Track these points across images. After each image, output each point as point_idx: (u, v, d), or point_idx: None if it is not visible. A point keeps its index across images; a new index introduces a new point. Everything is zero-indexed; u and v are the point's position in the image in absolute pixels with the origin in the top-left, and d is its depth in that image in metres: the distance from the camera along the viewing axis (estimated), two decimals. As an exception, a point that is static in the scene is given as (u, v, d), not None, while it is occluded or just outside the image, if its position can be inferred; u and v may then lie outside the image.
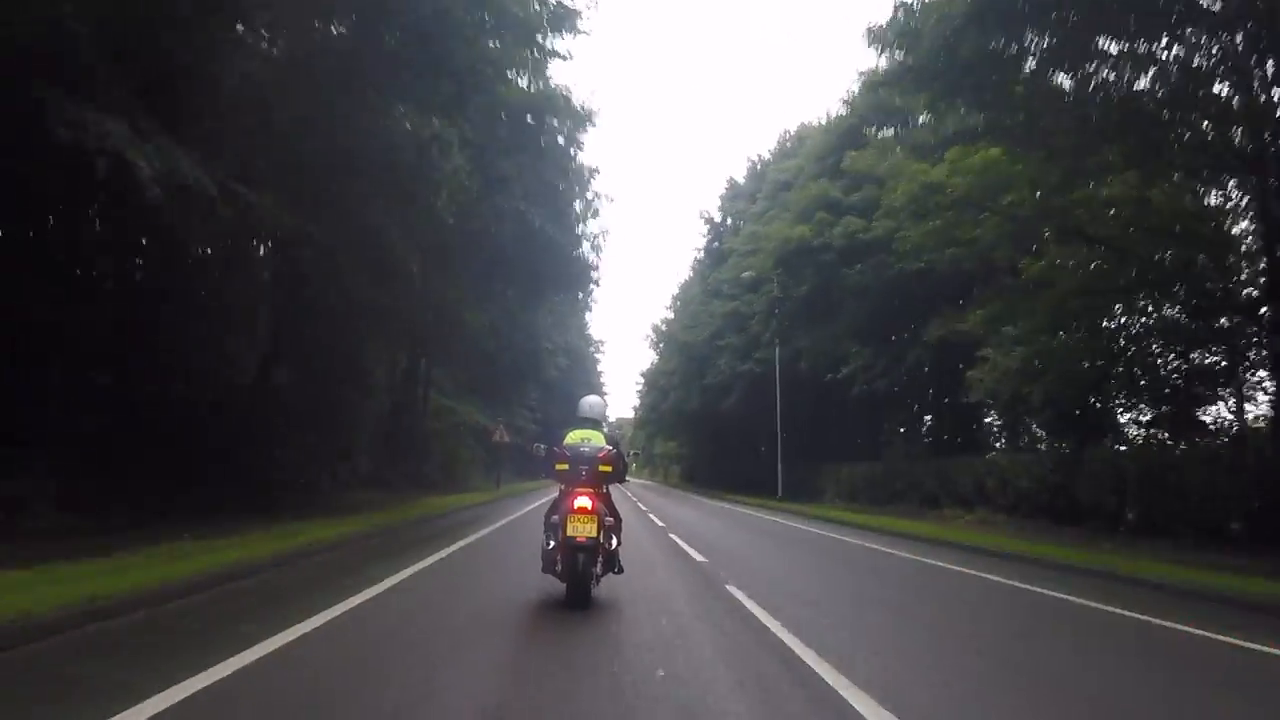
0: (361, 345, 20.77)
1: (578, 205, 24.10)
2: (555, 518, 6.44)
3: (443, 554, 10.20)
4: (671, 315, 60.57)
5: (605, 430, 7.12)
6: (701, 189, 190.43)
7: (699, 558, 10.60)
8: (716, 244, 47.63)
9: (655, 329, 65.98)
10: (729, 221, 46.61)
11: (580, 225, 24.18)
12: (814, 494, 31.61)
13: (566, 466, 6.63)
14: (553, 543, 6.39)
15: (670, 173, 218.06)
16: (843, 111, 29.88)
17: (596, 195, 24.40)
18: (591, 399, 7.38)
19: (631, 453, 9.15)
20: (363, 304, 16.37)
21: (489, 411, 37.56)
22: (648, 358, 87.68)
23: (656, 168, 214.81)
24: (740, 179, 47.61)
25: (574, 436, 6.87)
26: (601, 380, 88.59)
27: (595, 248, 24.93)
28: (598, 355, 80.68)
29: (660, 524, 16.94)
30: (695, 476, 63.14)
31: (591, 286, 26.08)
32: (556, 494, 6.99)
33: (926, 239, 17.93)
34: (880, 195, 24.54)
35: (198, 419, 13.96)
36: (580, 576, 6.24)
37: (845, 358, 28.11)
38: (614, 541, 6.65)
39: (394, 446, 27.29)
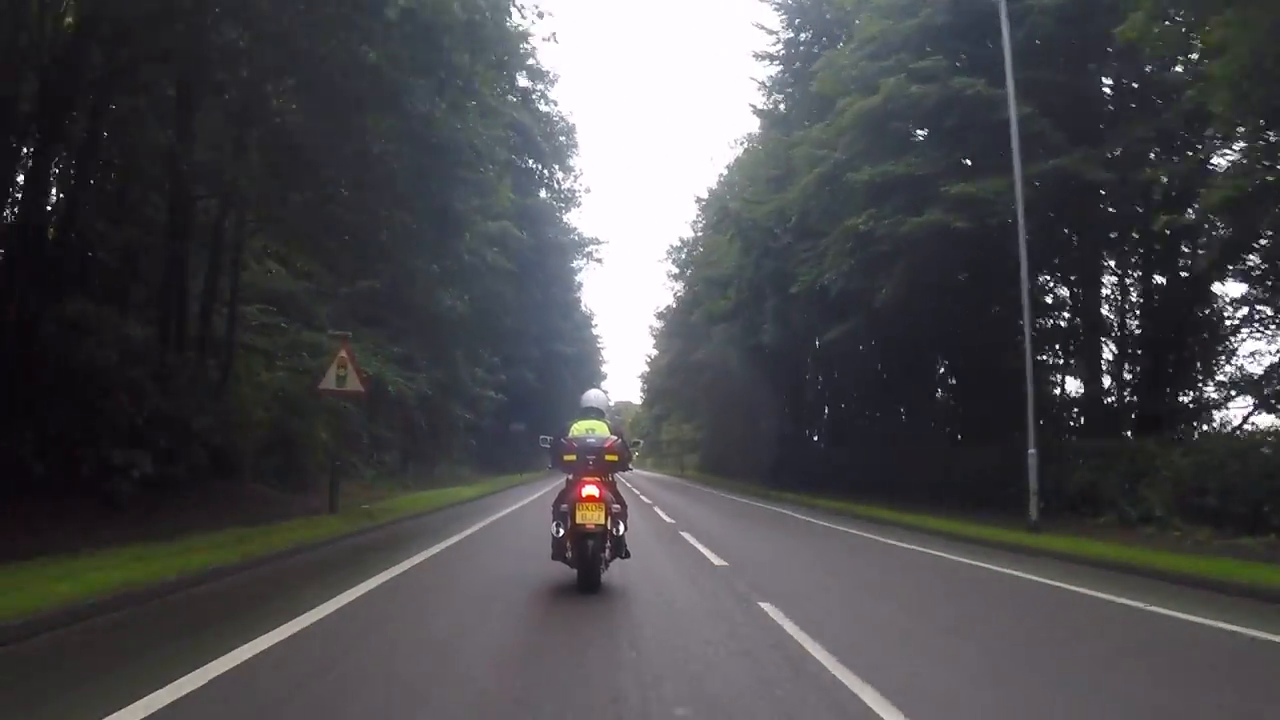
0: None
1: None
2: (564, 506, 6.78)
3: None
4: (701, 228, 43.80)
5: (608, 421, 7.65)
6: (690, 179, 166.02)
7: None
8: (803, 34, 28.60)
9: (674, 250, 49.39)
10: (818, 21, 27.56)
11: None
12: (1068, 511, 13.93)
13: (574, 457, 7.01)
14: (562, 530, 6.75)
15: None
16: None
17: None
18: (594, 392, 8.04)
19: (634, 441, 10.04)
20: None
21: (406, 364, 21.81)
22: (666, 295, 60.25)
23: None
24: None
25: (579, 428, 7.36)
26: (595, 331, 68.20)
27: None
28: (593, 259, 56.03)
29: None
30: (723, 467, 47.54)
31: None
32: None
33: None
34: None
35: None
36: (590, 561, 6.68)
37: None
38: (621, 528, 6.98)
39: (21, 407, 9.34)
